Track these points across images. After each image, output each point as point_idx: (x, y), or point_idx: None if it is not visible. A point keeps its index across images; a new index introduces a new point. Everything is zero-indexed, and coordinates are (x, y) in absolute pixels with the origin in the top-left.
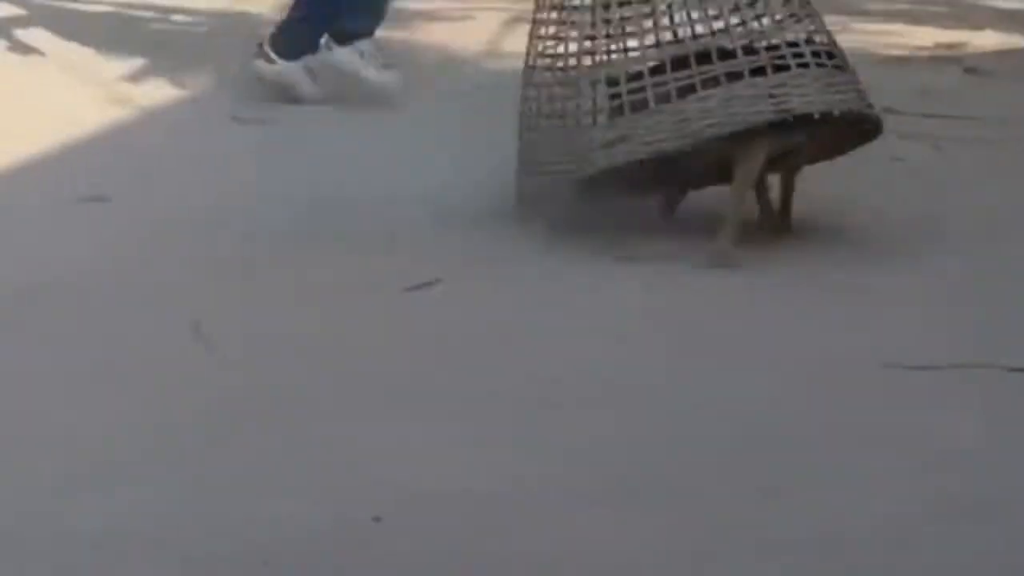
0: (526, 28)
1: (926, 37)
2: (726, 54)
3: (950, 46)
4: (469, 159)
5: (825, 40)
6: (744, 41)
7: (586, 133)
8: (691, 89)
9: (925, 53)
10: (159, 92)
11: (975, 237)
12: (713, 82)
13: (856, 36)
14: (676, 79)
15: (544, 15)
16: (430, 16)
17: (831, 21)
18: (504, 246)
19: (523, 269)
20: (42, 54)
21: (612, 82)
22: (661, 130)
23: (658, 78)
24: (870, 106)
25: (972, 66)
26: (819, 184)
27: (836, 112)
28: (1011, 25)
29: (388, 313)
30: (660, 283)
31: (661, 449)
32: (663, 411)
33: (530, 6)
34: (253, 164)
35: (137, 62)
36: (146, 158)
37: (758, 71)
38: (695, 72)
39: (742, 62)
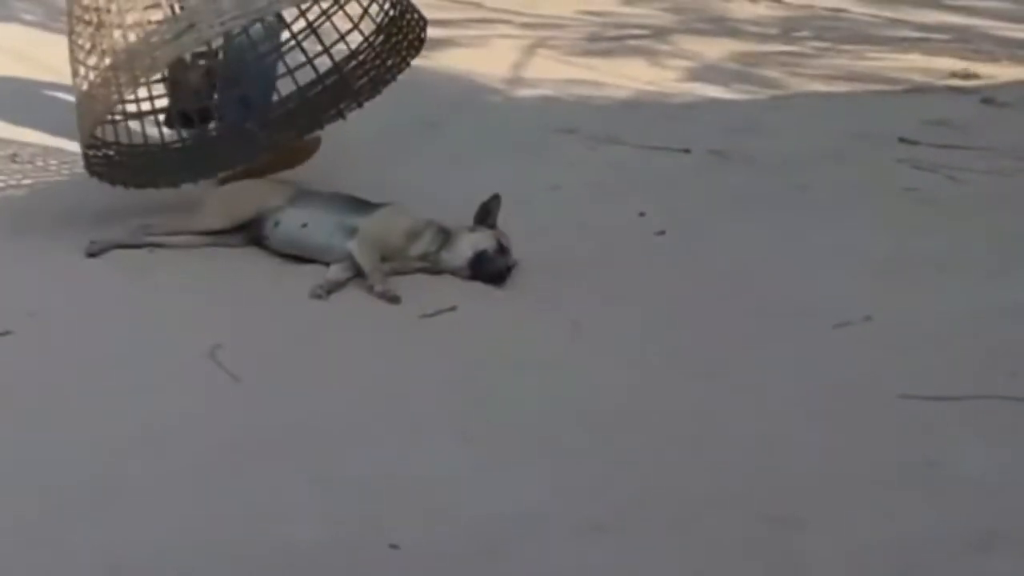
0: (554, 54)
1: (943, 67)
2: None
3: (966, 76)
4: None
5: None
6: None
7: (147, 40)
8: None
9: (941, 83)
10: None
11: (988, 267)
12: None
13: (873, 65)
14: None
15: None
16: (447, 43)
17: (849, 49)
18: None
19: (532, 295)
20: None
21: None
22: (227, 11)
23: None
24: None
25: (989, 97)
26: (829, 212)
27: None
28: None
29: (405, 339)
30: (671, 317)
31: (670, 476)
32: (673, 438)
33: (544, 33)
34: None
35: None
36: None
37: None
38: None
39: None
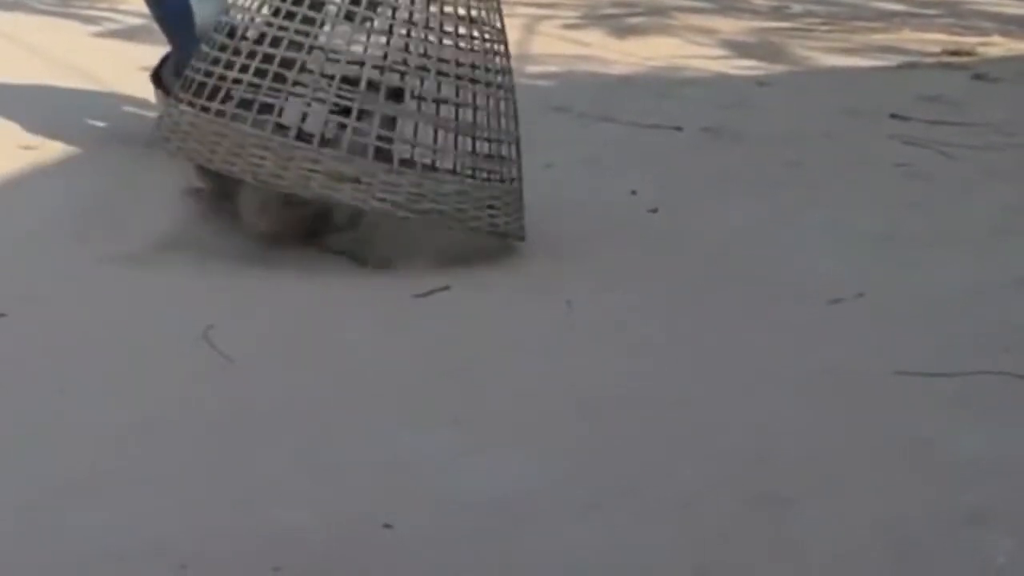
0: (550, 31)
1: (933, 43)
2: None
3: (958, 52)
4: None
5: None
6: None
7: (309, 153)
8: (432, 166)
9: (932, 59)
10: None
11: (981, 242)
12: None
13: (864, 41)
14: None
15: None
16: None
17: (840, 25)
18: (505, 252)
19: (525, 275)
20: None
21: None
22: (398, 194)
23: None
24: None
25: (980, 72)
26: (821, 189)
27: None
28: (1019, 31)
29: (397, 319)
30: (664, 295)
31: (666, 457)
32: (668, 419)
33: (541, 12)
34: None
35: None
36: None
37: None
38: (439, 148)
39: (481, 158)
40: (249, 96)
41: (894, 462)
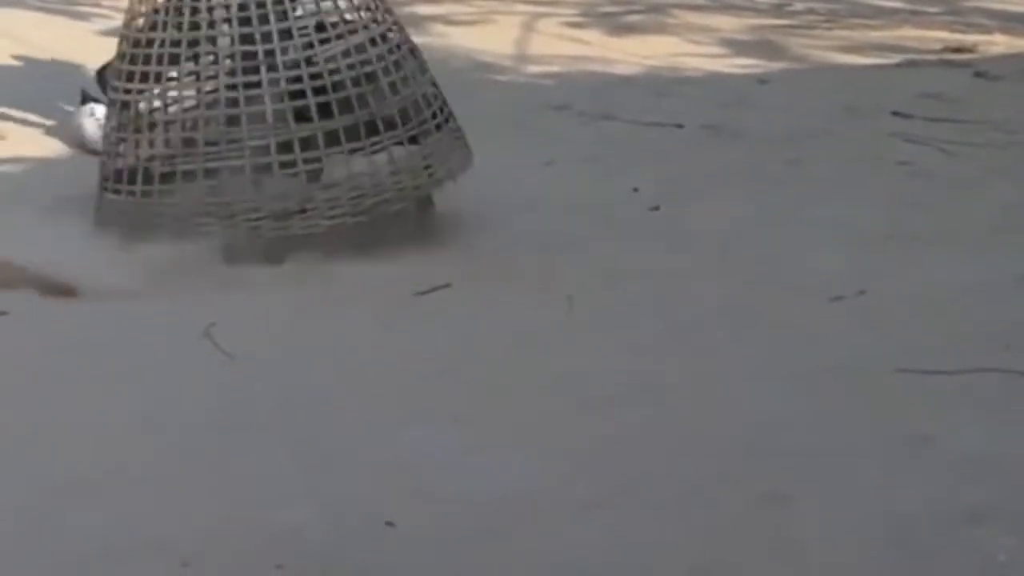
0: (549, 30)
1: (934, 40)
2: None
3: (959, 50)
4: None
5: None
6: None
7: (247, 203)
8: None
9: (934, 57)
10: None
11: (982, 240)
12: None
13: (865, 39)
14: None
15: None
16: (442, 20)
17: (841, 23)
18: (505, 249)
19: (526, 272)
20: None
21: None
22: (342, 205)
23: (331, 148)
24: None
25: (982, 70)
26: (822, 186)
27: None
28: (1020, 29)
29: (398, 317)
30: (666, 292)
31: (666, 456)
32: (668, 418)
33: (541, 10)
34: None
35: None
36: None
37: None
38: (364, 142)
39: (400, 132)
40: (167, 169)
41: (895, 460)
